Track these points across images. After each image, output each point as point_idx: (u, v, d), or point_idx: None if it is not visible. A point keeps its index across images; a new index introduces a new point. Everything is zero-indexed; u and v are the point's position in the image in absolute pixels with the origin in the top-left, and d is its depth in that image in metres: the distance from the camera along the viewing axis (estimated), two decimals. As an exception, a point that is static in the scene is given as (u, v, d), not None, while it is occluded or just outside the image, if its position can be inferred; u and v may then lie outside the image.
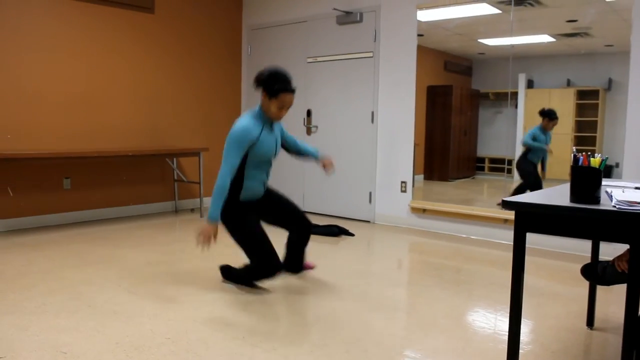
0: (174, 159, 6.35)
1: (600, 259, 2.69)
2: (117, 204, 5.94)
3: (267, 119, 3.25)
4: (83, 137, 5.58)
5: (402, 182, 5.62)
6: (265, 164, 3.34)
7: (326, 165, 3.55)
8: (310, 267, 3.78)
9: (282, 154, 6.63)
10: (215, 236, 3.08)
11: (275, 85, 3.10)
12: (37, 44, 5.19)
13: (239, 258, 4.27)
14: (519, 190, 5.04)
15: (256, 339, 2.61)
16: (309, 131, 6.39)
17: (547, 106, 4.97)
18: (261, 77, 3.16)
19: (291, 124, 6.57)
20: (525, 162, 5.00)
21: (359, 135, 5.95)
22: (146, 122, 6.13)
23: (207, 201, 6.75)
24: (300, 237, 3.50)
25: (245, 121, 3.15)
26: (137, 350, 2.45)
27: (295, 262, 3.57)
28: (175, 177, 6.44)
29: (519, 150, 5.05)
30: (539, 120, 4.96)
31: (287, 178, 6.65)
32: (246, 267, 3.40)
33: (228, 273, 3.52)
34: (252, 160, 3.24)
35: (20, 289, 3.31)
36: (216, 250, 4.46)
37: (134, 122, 6.01)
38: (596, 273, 2.45)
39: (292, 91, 3.16)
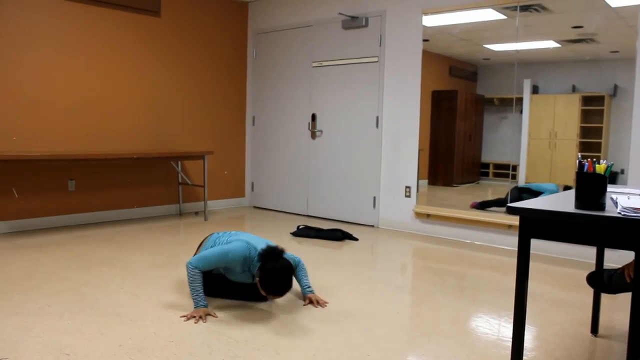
0: (179, 162, 6.37)
1: (605, 266, 2.68)
2: (122, 207, 5.96)
3: (250, 275, 3.16)
4: (88, 139, 5.60)
5: (407, 187, 5.62)
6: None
7: (312, 303, 3.26)
8: None
9: (290, 151, 6.63)
10: (206, 315, 2.96)
11: (270, 287, 2.91)
12: (43, 46, 5.22)
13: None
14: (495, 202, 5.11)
15: (259, 342, 2.61)
16: (313, 135, 6.40)
17: (552, 112, 4.96)
18: (261, 273, 2.94)
19: (296, 128, 6.58)
20: (517, 194, 5.00)
21: (363, 139, 5.95)
22: (151, 125, 6.15)
23: (211, 204, 6.76)
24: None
25: (237, 257, 3.05)
26: (140, 352, 2.45)
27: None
28: (180, 180, 6.45)
29: (523, 156, 5.04)
30: (544, 125, 4.94)
31: (291, 182, 6.65)
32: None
33: None
34: (224, 273, 3.23)
35: (25, 290, 3.32)
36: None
37: (139, 124, 6.03)
38: (602, 281, 2.44)
39: (281, 295, 2.97)
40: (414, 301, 3.37)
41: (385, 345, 2.61)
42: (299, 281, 3.35)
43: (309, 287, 3.32)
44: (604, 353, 2.63)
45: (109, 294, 3.29)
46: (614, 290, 2.40)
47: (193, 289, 3.00)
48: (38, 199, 5.28)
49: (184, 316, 2.93)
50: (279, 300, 3.26)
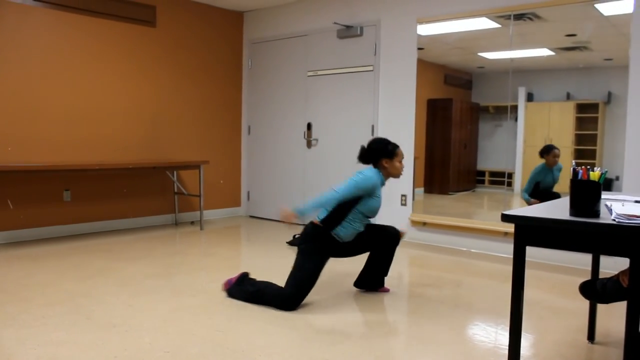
0: (174, 172, 6.36)
1: (600, 273, 2.68)
2: (117, 217, 5.94)
3: (383, 180, 3.51)
4: (83, 150, 5.59)
5: (402, 195, 5.62)
6: (368, 219, 3.51)
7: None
8: (386, 290, 3.74)
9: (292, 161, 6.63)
10: (290, 221, 3.38)
11: (389, 146, 3.50)
12: (38, 57, 5.22)
13: (233, 271, 4.28)
14: None
15: (256, 352, 2.59)
16: (309, 144, 6.40)
17: (547, 120, 4.99)
18: (372, 151, 3.52)
19: (291, 137, 6.59)
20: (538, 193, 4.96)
21: (359, 148, 5.94)
22: (147, 135, 6.14)
23: (207, 214, 6.75)
24: (385, 250, 3.63)
25: (375, 175, 3.43)
26: (135, 363, 2.44)
27: (374, 279, 3.70)
28: (176, 190, 6.44)
29: (519, 164, 5.05)
30: (539, 132, 4.97)
31: (287, 191, 6.64)
32: (271, 287, 3.37)
33: (239, 289, 3.47)
34: (361, 210, 3.40)
35: (19, 302, 3.30)
36: (214, 263, 4.46)
37: (134, 134, 6.02)
38: (595, 291, 2.43)
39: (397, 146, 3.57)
40: (411, 309, 3.36)
41: (382, 355, 2.60)
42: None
43: None
44: (601, 360, 2.63)
45: (104, 305, 3.28)
46: (607, 299, 2.38)
47: (312, 203, 3.36)
48: (33, 209, 5.26)
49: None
50: (278, 312, 3.25)
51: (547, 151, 4.85)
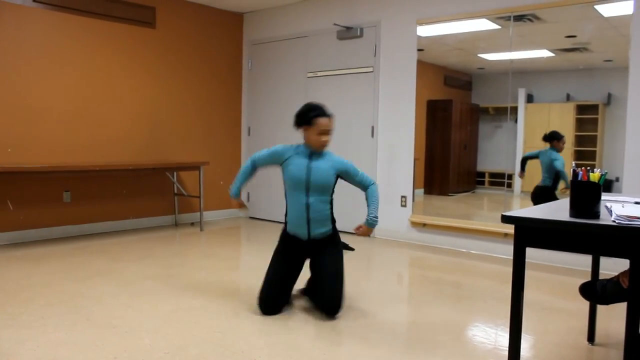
0: (174, 173, 6.36)
1: (600, 275, 2.68)
2: (117, 218, 5.94)
3: (311, 151, 3.35)
4: (83, 151, 5.59)
5: (402, 196, 5.62)
6: (298, 192, 3.24)
7: (359, 232, 3.45)
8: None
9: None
10: (240, 205, 3.68)
11: (310, 113, 3.25)
12: (38, 58, 5.22)
13: (233, 272, 4.28)
14: None
15: (255, 353, 2.59)
16: (309, 145, 6.40)
17: (546, 121, 4.99)
18: (297, 115, 3.33)
19: (291, 138, 6.57)
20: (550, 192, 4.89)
21: (359, 149, 5.96)
22: (147, 136, 6.14)
23: (207, 215, 6.75)
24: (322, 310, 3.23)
25: (287, 146, 3.40)
26: (135, 364, 2.44)
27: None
28: (176, 191, 6.44)
29: (518, 165, 5.05)
30: (539, 133, 4.97)
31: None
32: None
33: None
34: (286, 184, 3.35)
35: (19, 303, 3.30)
36: (214, 264, 4.46)
37: (134, 135, 6.02)
38: (595, 292, 2.43)
39: (326, 115, 3.27)
40: (411, 311, 3.36)
41: (382, 355, 2.60)
42: (367, 206, 3.47)
43: (376, 217, 3.40)
44: (601, 361, 2.63)
45: (104, 306, 3.27)
46: (607, 300, 2.38)
47: (237, 177, 3.57)
48: (33, 210, 5.26)
49: None
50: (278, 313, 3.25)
51: (559, 137, 4.78)
